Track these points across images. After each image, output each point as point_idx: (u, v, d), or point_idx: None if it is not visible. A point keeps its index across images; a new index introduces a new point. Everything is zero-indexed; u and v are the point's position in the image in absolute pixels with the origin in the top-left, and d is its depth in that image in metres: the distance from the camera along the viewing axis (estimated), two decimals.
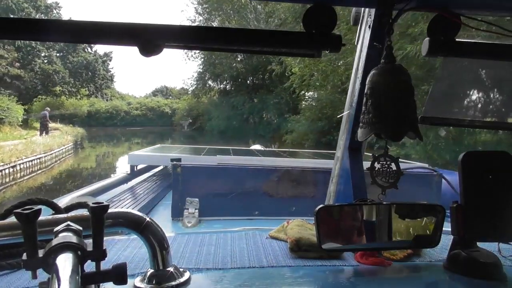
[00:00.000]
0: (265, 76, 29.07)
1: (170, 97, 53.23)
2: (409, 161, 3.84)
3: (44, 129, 20.65)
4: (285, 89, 22.51)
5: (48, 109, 22.58)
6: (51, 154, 15.58)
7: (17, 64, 32.33)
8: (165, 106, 45.20)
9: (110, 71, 45.71)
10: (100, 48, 46.35)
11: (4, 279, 0.77)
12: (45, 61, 36.41)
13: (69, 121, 37.46)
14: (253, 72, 30.51)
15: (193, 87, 34.98)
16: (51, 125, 24.36)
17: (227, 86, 33.38)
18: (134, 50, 0.77)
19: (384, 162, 0.81)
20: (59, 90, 37.25)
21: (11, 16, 28.92)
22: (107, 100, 46.00)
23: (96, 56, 41.85)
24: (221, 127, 28.87)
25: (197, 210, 2.22)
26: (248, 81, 31.85)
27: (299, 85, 17.87)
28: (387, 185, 0.80)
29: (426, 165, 3.41)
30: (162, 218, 2.33)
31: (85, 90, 40.88)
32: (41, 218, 0.50)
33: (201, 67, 32.94)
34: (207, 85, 34.21)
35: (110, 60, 44.56)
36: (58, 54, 38.53)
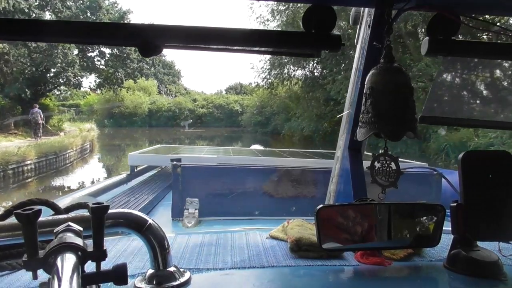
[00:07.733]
0: None
1: (244, 94, 43.90)
2: (409, 161, 3.83)
3: (38, 129, 17.49)
4: (427, 65, 12.50)
5: (37, 105, 18.68)
6: None
7: None
8: (234, 103, 38.30)
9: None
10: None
11: (4, 279, 0.78)
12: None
13: (129, 120, 32.62)
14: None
15: (265, 74, 22.44)
16: (88, 126, 21.20)
17: (315, 70, 21.48)
18: None
19: (384, 161, 0.81)
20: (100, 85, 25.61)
21: None
22: (171, 97, 39.59)
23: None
24: (305, 130, 20.36)
25: (197, 210, 2.22)
26: (350, 56, 15.97)
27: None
28: (387, 184, 0.81)
29: (426, 165, 3.41)
30: (162, 219, 2.32)
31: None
32: (41, 218, 0.50)
33: None
34: (285, 70, 22.05)
35: None
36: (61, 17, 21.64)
